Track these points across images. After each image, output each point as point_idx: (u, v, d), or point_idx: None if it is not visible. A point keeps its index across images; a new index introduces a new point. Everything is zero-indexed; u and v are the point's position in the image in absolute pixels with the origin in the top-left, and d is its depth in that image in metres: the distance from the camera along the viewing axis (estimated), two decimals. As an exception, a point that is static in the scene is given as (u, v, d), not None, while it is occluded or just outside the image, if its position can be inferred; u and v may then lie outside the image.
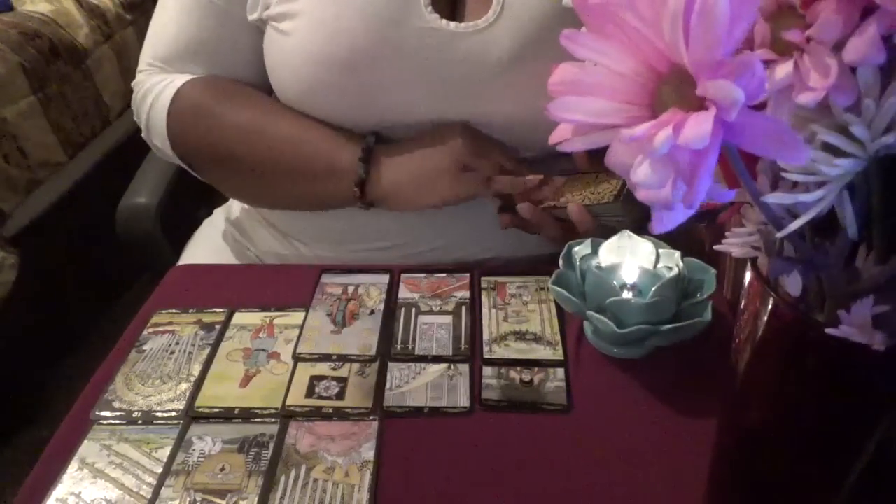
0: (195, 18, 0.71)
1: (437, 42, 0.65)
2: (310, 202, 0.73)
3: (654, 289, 0.53)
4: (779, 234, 0.28)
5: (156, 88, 0.72)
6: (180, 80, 0.72)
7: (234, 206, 0.87)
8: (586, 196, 0.67)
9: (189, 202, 0.93)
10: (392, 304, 0.64)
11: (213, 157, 0.73)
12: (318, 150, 0.69)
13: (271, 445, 0.51)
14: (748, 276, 0.34)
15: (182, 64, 0.73)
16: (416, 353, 0.58)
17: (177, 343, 0.61)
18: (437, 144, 0.67)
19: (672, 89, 0.25)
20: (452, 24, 0.65)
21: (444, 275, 0.68)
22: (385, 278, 0.67)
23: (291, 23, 0.67)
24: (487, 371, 0.57)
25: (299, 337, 0.61)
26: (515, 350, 0.59)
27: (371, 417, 0.53)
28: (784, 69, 0.25)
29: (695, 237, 0.62)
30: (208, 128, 0.71)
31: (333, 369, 0.57)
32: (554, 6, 0.65)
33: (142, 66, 0.75)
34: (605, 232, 0.62)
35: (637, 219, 0.63)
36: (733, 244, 0.34)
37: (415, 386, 0.55)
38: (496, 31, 0.65)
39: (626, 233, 0.59)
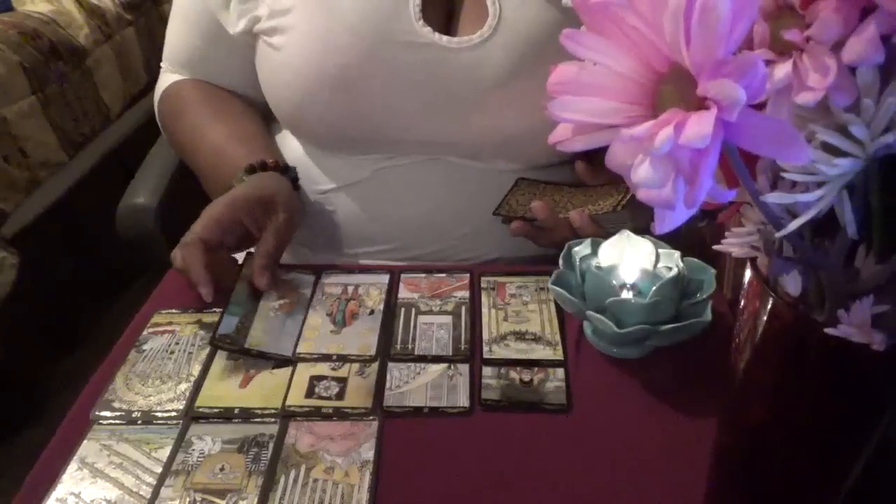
0: (187, 35, 0.78)
1: (430, 57, 0.64)
2: None
3: (653, 289, 0.53)
4: (778, 234, 0.28)
5: (159, 86, 0.82)
6: (171, 79, 0.81)
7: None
8: (587, 208, 0.67)
9: (189, 202, 0.92)
10: (392, 304, 0.64)
11: (180, 154, 0.82)
12: (227, 172, 0.71)
13: (271, 445, 0.51)
14: (748, 275, 0.34)
15: (178, 69, 0.81)
16: (416, 353, 0.58)
17: (177, 343, 0.61)
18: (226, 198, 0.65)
19: (672, 89, 0.25)
20: (445, 39, 0.64)
21: (444, 275, 0.68)
22: (385, 278, 0.67)
23: (282, 38, 0.67)
24: (487, 371, 0.57)
25: (299, 337, 0.61)
26: (515, 350, 0.59)
27: (371, 417, 0.53)
28: (783, 69, 0.25)
29: (696, 237, 0.62)
30: (176, 127, 0.80)
31: (333, 369, 0.57)
32: (551, 19, 0.65)
33: (162, 63, 0.85)
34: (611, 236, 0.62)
35: (642, 225, 0.63)
36: (733, 244, 0.34)
37: (415, 386, 0.55)
38: (491, 47, 0.64)
39: (626, 233, 0.59)
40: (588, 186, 0.72)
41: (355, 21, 0.64)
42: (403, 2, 0.64)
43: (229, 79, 0.79)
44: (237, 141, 0.74)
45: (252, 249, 0.67)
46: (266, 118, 0.81)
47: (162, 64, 0.84)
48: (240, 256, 0.68)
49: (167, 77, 0.82)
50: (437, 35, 0.64)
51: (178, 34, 0.79)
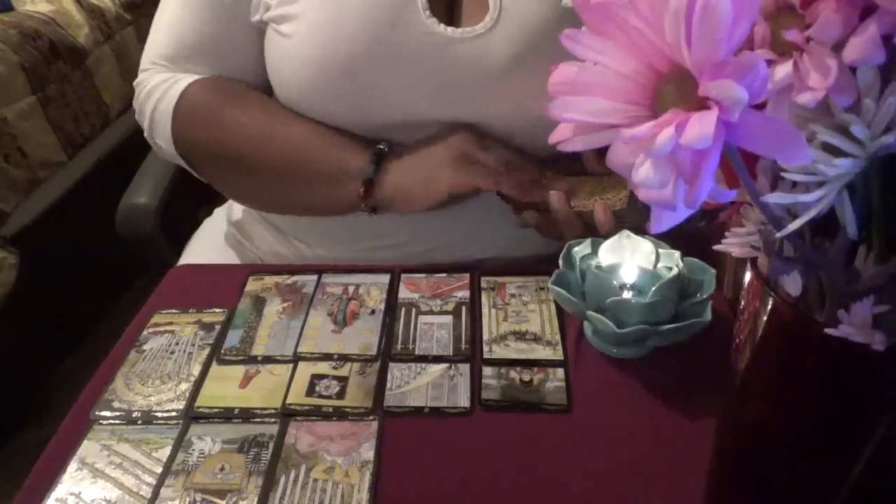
0: (203, 17, 0.71)
1: (435, 47, 0.65)
2: (312, 207, 0.73)
3: (653, 289, 0.53)
4: (778, 234, 0.28)
5: (161, 87, 0.72)
6: (186, 79, 0.71)
7: (235, 206, 0.87)
8: (596, 199, 0.66)
9: (189, 202, 0.93)
10: (392, 303, 0.64)
11: (218, 159, 0.73)
12: (328, 155, 0.68)
13: (271, 445, 0.51)
14: (748, 275, 0.34)
15: (187, 63, 0.73)
16: (417, 353, 0.58)
17: (177, 343, 0.61)
18: (439, 140, 0.67)
19: (673, 89, 0.25)
20: (449, 30, 0.65)
21: (444, 275, 0.68)
22: (385, 278, 0.67)
23: (290, 25, 0.67)
24: (487, 371, 0.57)
25: (300, 336, 0.61)
26: (515, 350, 0.59)
27: (371, 417, 0.53)
28: (784, 69, 0.25)
29: (698, 237, 0.62)
30: (215, 129, 0.71)
31: (335, 368, 0.57)
32: (551, 11, 0.65)
33: (145, 64, 0.75)
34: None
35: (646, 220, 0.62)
36: (733, 244, 0.34)
37: (415, 386, 0.55)
38: (493, 37, 0.65)
39: (626, 233, 0.59)
40: (589, 176, 0.71)
41: (363, 9, 0.64)
42: None
43: (244, 66, 0.74)
44: (319, 126, 0.71)
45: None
46: None
47: (154, 63, 0.75)
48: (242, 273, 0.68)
49: (173, 77, 0.73)
50: (441, 25, 0.65)
51: (192, 21, 0.72)
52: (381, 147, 0.68)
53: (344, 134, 0.70)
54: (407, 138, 0.71)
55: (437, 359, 0.58)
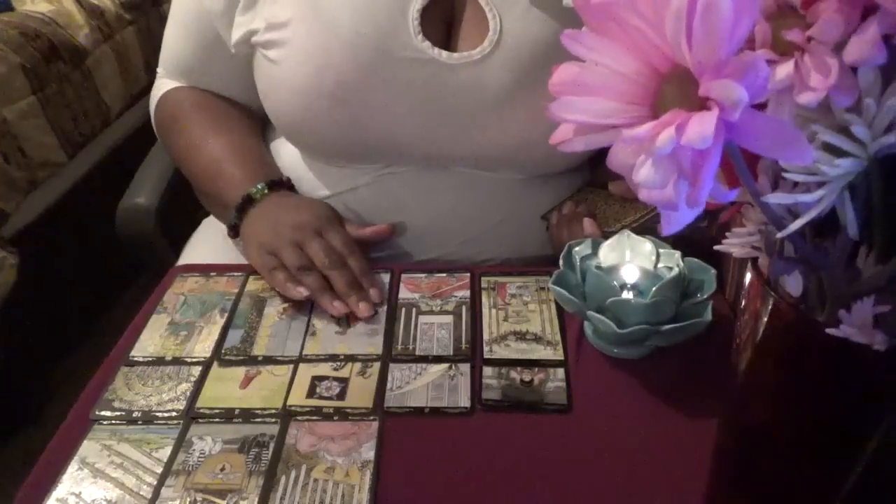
0: (186, 43, 0.77)
1: (430, 73, 0.64)
2: (221, 217, 0.77)
3: (654, 289, 0.53)
4: (779, 235, 0.28)
5: (155, 91, 0.81)
6: (169, 85, 0.80)
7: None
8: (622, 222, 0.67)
9: (189, 202, 0.92)
10: (392, 303, 0.64)
11: (176, 161, 0.82)
12: (217, 184, 0.72)
13: (271, 445, 0.51)
14: (749, 276, 0.34)
15: (180, 77, 0.80)
16: (417, 353, 0.58)
17: (177, 343, 0.61)
18: (292, 213, 0.67)
19: (674, 89, 0.25)
20: (445, 55, 0.64)
21: (444, 275, 0.68)
22: (385, 278, 0.67)
23: (279, 52, 0.66)
24: (488, 371, 0.57)
25: (304, 338, 0.60)
26: (516, 350, 0.59)
27: (372, 417, 0.53)
28: (785, 69, 0.25)
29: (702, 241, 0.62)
30: (173, 134, 0.79)
31: (335, 369, 0.57)
32: (551, 34, 0.64)
33: (159, 66, 0.84)
34: None
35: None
36: (734, 244, 0.34)
37: (416, 386, 0.55)
38: (492, 63, 0.64)
39: (626, 232, 0.59)
40: (598, 193, 0.72)
41: (352, 36, 0.63)
42: (402, 16, 0.63)
43: (228, 88, 0.78)
44: (233, 154, 0.74)
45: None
46: (264, 124, 0.81)
47: (158, 69, 0.83)
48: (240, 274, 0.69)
49: (164, 83, 0.82)
50: (436, 50, 0.64)
51: (177, 42, 0.78)
52: (254, 192, 0.69)
53: (247, 159, 0.73)
54: (402, 164, 0.71)
55: (438, 359, 0.58)
